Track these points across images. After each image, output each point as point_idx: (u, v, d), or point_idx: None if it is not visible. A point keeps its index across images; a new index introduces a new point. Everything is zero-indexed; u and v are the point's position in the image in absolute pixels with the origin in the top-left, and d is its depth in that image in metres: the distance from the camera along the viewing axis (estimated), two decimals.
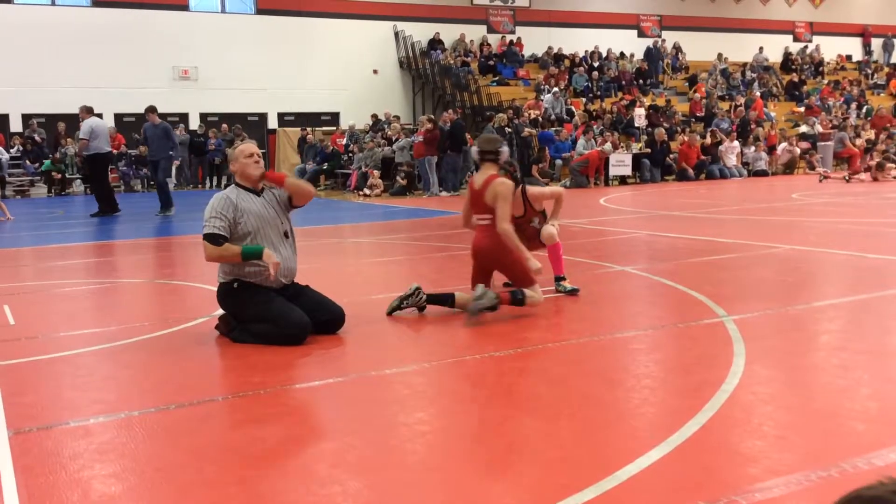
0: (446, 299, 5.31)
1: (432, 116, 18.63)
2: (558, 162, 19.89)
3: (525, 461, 2.86)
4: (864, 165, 19.06)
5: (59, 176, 20.97)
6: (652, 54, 27.84)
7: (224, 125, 22.89)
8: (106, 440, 3.17)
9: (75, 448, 3.09)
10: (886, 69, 31.97)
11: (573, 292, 5.84)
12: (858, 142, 23.13)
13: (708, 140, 21.14)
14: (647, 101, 24.49)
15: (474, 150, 5.55)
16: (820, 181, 17.87)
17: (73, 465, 2.91)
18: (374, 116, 23.12)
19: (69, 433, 3.26)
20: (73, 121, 14.49)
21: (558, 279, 5.98)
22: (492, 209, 5.24)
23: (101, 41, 22.67)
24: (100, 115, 15.82)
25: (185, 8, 24.06)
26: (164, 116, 23.62)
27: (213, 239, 4.63)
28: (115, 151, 20.39)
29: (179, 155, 18.93)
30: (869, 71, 31.64)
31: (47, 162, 21.08)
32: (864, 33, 33.85)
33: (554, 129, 21.22)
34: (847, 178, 17.86)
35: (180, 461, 2.93)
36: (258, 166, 4.84)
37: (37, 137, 21.54)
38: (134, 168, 21.86)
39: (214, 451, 3.03)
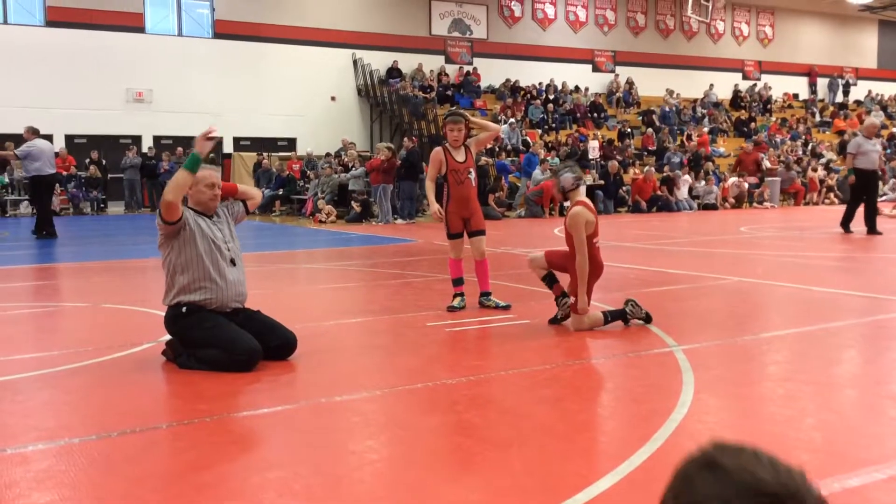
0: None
1: (391, 145, 18.64)
2: (522, 181, 20.21)
3: (475, 490, 2.83)
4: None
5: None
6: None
7: (179, 148, 22.64)
8: (44, 468, 3.07)
9: (11, 476, 2.98)
10: (832, 108, 33.04)
11: (507, 308, 6.38)
12: (811, 175, 23.77)
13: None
14: (601, 133, 24.90)
15: (571, 176, 5.84)
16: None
17: (8, 494, 2.81)
18: (345, 142, 22.99)
19: (5, 460, 3.15)
20: (21, 142, 14.14)
21: (484, 294, 6.50)
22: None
23: (54, 61, 22.31)
24: (49, 137, 15.52)
25: (140, 30, 23.84)
26: (116, 138, 23.60)
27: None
28: (63, 173, 20.04)
29: None
30: (815, 109, 32.66)
31: None
32: (811, 73, 34.99)
33: (510, 159, 21.41)
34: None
35: (121, 490, 2.85)
36: (215, 202, 4.77)
37: None
38: (84, 190, 21.46)
39: (157, 480, 2.95)
